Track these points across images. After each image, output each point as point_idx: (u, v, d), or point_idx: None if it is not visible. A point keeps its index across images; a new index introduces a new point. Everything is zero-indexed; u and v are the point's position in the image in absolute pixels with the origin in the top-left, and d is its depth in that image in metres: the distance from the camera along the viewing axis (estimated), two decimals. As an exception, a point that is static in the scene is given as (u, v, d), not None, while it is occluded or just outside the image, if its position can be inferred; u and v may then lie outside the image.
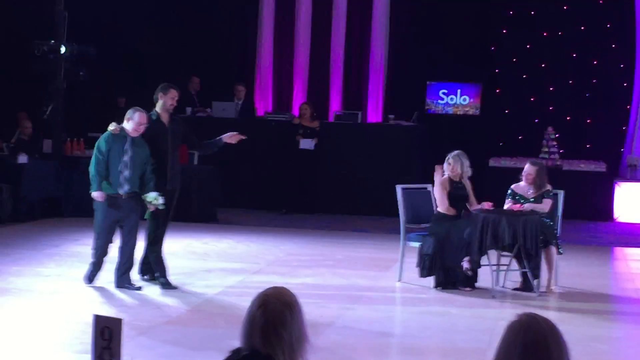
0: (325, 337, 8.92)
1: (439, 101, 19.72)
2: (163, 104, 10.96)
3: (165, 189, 10.74)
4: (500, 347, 3.36)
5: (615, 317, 10.77)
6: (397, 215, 11.69)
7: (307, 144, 17.70)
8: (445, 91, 19.69)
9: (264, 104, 20.55)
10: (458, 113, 19.63)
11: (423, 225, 11.58)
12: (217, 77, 19.79)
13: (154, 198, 10.45)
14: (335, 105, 20.23)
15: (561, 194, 11.71)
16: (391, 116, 18.93)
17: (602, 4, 20.03)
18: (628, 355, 9.15)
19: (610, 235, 16.76)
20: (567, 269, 12.20)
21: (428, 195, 11.78)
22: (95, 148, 10.56)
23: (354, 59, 20.52)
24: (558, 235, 11.54)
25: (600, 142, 19.91)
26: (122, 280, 10.65)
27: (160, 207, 10.54)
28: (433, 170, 11.54)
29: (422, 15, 20.25)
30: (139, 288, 10.64)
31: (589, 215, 17.75)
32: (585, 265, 13.58)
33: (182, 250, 13.56)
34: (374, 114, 20.08)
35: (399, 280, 11.57)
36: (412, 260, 11.45)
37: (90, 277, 10.76)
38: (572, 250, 13.99)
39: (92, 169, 10.47)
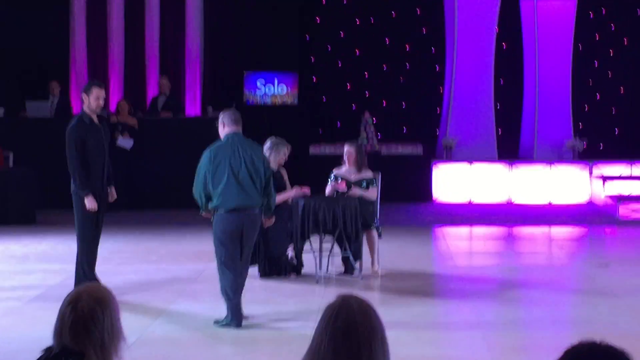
0: (149, 332, 8.86)
1: (257, 91, 19.74)
2: (88, 104, 10.37)
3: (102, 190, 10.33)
4: (315, 332, 3.39)
5: (437, 296, 11.05)
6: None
7: (125, 142, 17.39)
8: (263, 81, 19.73)
9: (80, 102, 20.10)
10: (276, 103, 19.70)
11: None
12: (29, 75, 19.28)
13: None
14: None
15: (378, 176, 11.89)
16: (209, 108, 18.84)
17: (411, -10, 20.46)
18: (450, 332, 9.39)
19: (430, 215, 17.14)
20: (389, 250, 12.43)
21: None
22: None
23: (169, 52, 20.32)
24: (377, 218, 11.74)
25: (417, 125, 20.36)
26: None
27: None
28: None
29: (236, 6, 20.22)
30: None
31: (409, 197, 18.11)
32: (407, 246, 13.86)
33: (0, 254, 13.21)
34: (192, 107, 19.95)
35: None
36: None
37: None
38: (394, 231, 14.27)
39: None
